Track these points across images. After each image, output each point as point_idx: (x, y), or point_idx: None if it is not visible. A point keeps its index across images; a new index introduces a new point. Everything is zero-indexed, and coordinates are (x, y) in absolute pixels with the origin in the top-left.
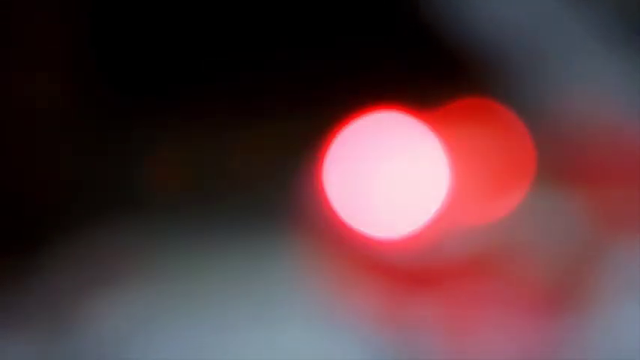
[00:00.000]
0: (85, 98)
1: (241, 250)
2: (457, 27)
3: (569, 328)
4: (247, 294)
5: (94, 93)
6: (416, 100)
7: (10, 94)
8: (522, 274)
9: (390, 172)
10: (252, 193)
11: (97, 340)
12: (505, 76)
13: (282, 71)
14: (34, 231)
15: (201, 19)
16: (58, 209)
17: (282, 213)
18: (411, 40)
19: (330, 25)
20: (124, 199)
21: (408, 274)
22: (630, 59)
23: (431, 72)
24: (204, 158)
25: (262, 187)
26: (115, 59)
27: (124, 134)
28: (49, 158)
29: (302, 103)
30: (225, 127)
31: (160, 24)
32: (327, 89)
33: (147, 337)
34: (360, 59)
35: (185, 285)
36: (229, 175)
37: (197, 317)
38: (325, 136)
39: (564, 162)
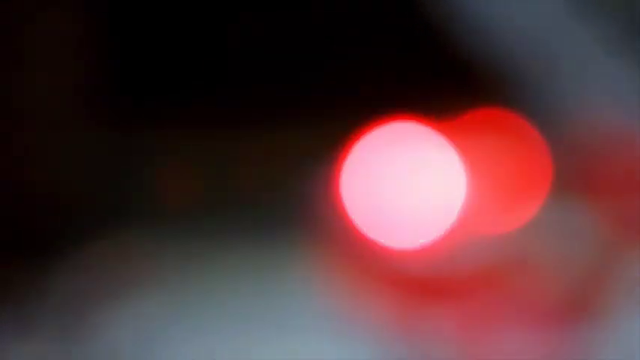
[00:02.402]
0: (97, 107)
1: (255, 258)
2: (473, 37)
3: (584, 339)
4: (261, 301)
5: (106, 101)
6: (433, 109)
7: (20, 101)
8: (537, 285)
9: (406, 182)
10: (266, 201)
11: (110, 345)
12: (521, 87)
13: (297, 80)
14: (47, 236)
15: (214, 27)
16: (71, 215)
17: (297, 221)
18: (428, 50)
19: (345, 35)
20: (138, 206)
21: (422, 283)
22: None
23: (448, 82)
24: (218, 165)
25: (277, 195)
26: (125, 67)
27: (136, 142)
28: (62, 166)
29: (319, 111)
30: (238, 135)
31: (171, 30)
32: (343, 98)
33: (159, 343)
34: (377, 69)
35: (198, 292)
36: (243, 183)
37: (210, 324)
38: (342, 145)
39: (580, 172)
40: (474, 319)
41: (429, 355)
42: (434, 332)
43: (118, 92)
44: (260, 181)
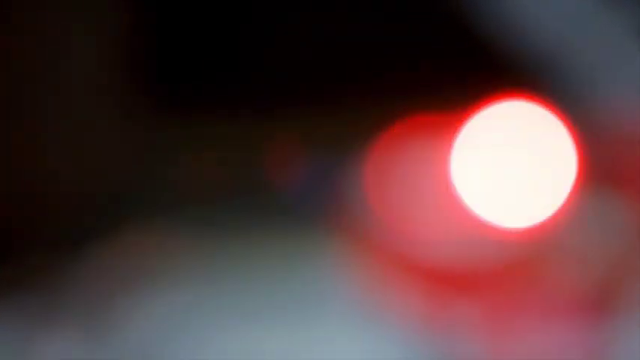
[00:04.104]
0: (125, 102)
1: (280, 249)
2: (501, 28)
3: (613, 334)
4: (286, 293)
5: (134, 97)
6: (460, 102)
7: (37, 95)
8: (566, 279)
9: (431, 176)
10: (291, 195)
11: (136, 340)
12: (551, 79)
13: (326, 72)
14: (73, 230)
15: (237, 17)
16: (96, 208)
17: (322, 212)
18: (455, 42)
19: (369, 26)
20: (162, 200)
21: (448, 277)
22: None
23: (474, 74)
24: (242, 156)
25: (302, 189)
26: (146, 54)
27: (159, 134)
28: (80, 158)
29: (348, 103)
30: (265, 126)
31: (194, 21)
32: (366, 92)
33: (185, 336)
34: (401, 61)
35: (223, 285)
36: (269, 178)
37: (235, 316)
38: (370, 137)
39: (609, 165)
40: (498, 313)
41: (457, 348)
42: (461, 326)
43: (135, 81)
44: (286, 175)
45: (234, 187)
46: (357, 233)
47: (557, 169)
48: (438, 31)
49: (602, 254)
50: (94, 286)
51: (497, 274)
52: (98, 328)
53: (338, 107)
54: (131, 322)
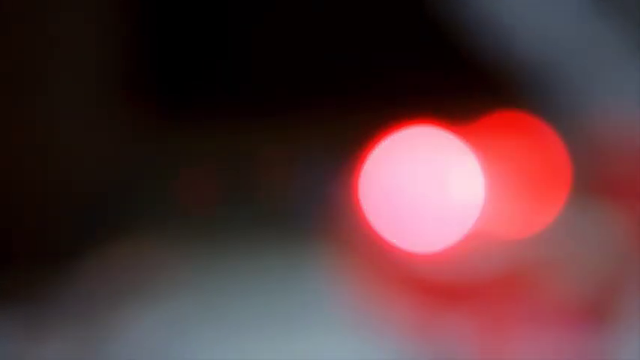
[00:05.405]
0: (122, 108)
1: (274, 259)
2: (493, 41)
3: (603, 344)
4: (281, 302)
5: (130, 103)
6: (451, 113)
7: (47, 102)
8: (557, 289)
9: (425, 186)
10: (286, 203)
11: (131, 346)
12: (540, 90)
13: (318, 83)
14: (69, 237)
15: (239, 28)
16: (93, 216)
17: (316, 223)
18: (447, 53)
19: (365, 38)
20: (159, 208)
21: (441, 287)
22: None
23: (466, 85)
24: (237, 167)
25: (296, 197)
26: (144, 66)
27: (155, 143)
28: (79, 166)
29: (340, 113)
30: (260, 136)
31: (192, 33)
32: (363, 101)
33: (179, 344)
34: (396, 72)
35: (218, 293)
36: (262, 184)
37: (229, 325)
38: (362, 147)
39: (600, 175)
40: (492, 324)
41: (451, 358)
42: (452, 337)
43: (141, 95)
44: (279, 183)
45: (230, 196)
46: (351, 242)
47: (549, 180)
48: (431, 42)
49: (596, 265)
50: (91, 294)
51: (493, 285)
52: (95, 337)
53: (332, 116)
54: (128, 331)
